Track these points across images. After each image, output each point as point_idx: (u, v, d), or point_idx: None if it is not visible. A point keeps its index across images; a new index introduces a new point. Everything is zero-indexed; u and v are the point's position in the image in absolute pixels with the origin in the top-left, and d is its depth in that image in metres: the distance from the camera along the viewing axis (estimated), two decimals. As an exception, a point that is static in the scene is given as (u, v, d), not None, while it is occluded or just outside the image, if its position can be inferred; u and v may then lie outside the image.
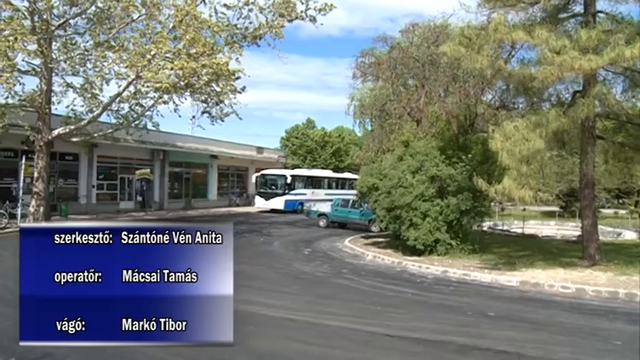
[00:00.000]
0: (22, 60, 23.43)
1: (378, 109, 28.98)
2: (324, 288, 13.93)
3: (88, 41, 24.61)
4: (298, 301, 12.06)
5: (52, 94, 25.47)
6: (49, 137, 24.98)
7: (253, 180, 42.98)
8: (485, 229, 25.01)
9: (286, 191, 40.96)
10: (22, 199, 25.11)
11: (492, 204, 23.88)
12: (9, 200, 25.10)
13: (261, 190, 42.04)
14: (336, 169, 64.93)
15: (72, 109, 26.53)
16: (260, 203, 41.82)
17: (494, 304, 12.13)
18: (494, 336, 9.39)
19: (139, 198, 37.69)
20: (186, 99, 26.76)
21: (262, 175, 42.46)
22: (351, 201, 30.54)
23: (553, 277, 15.11)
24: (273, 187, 41.55)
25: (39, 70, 24.45)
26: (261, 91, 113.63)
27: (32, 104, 24.27)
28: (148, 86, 23.82)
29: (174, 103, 25.64)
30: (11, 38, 20.53)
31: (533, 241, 25.13)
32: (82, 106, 26.43)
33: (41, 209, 24.66)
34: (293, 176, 42.08)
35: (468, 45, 16.01)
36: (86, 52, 24.43)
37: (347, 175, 50.13)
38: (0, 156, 27.65)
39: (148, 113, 27.07)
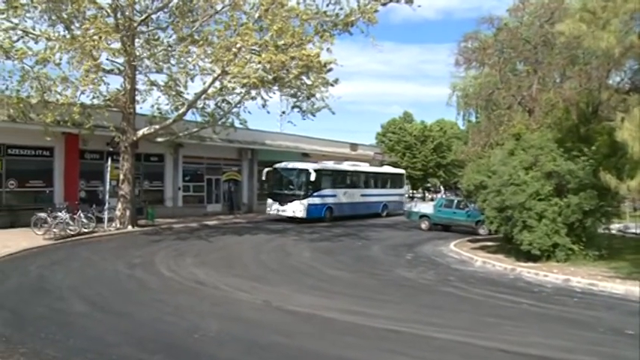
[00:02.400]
0: (106, 59, 24.90)
1: (483, 99, 28.22)
2: (429, 297, 13.78)
3: (170, 36, 25.64)
4: (401, 310, 11.98)
5: (136, 92, 26.86)
6: (134, 138, 26.30)
7: (263, 176, 35.24)
8: (614, 232, 23.75)
9: (309, 192, 33.58)
10: (109, 203, 26.45)
11: (622, 203, 22.65)
12: (96, 203, 26.40)
13: (275, 191, 34.58)
14: (436, 166, 63.97)
15: (156, 108, 27.98)
16: (273, 208, 34.24)
17: (631, 321, 11.40)
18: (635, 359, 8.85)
19: (227, 200, 38.71)
20: (274, 94, 27.28)
21: (275, 170, 35.04)
22: (455, 201, 30.10)
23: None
24: (291, 187, 34.22)
25: (122, 68, 25.86)
26: (353, 82, 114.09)
27: (116, 104, 25.65)
28: (234, 82, 24.41)
29: (262, 98, 26.25)
30: (96, 37, 21.76)
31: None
32: (167, 104, 27.88)
33: (127, 213, 26.02)
34: (318, 172, 33.85)
35: (590, 20, 15.18)
36: (169, 48, 25.43)
37: (389, 169, 45.00)
38: (86, 158, 29.17)
39: (234, 110, 28.00)
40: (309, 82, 25.54)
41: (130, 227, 25.90)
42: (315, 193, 33.92)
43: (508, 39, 25.42)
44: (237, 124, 28.81)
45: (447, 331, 10.14)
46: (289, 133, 41.68)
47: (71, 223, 22.65)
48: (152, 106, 27.90)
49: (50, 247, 20.16)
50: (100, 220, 25.09)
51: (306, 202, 33.13)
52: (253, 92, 25.72)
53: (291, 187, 34.14)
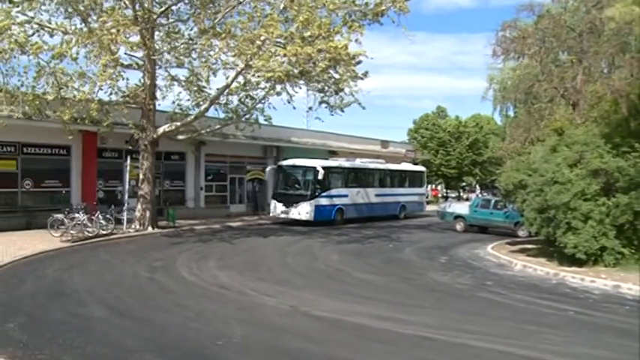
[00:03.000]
0: (124, 53, 25.16)
1: (523, 92, 27.89)
2: (465, 302, 13.69)
3: (191, 28, 25.77)
4: (436, 316, 11.94)
5: (156, 88, 27.09)
6: (154, 135, 26.53)
7: (266, 175, 34.62)
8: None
9: (317, 192, 32.39)
10: (128, 203, 26.72)
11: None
12: (114, 204, 26.70)
13: (280, 191, 33.61)
14: (472, 164, 63.46)
15: (177, 104, 28.12)
16: (278, 210, 33.02)
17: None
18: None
19: (251, 200, 38.90)
20: (300, 88, 27.32)
21: (280, 167, 34.24)
22: (493, 201, 29.85)
23: None
24: (297, 187, 33.28)
25: (142, 63, 26.10)
26: (383, 76, 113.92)
27: (135, 100, 25.91)
28: (258, 76, 24.53)
29: (287, 93, 26.30)
30: (114, 30, 21.99)
31: None
32: (188, 100, 28.04)
33: (147, 214, 26.27)
34: (327, 169, 32.96)
35: (644, 4, 14.93)
36: (190, 41, 25.55)
37: (408, 166, 44.00)
38: (105, 157, 29.53)
39: (259, 106, 28.09)
40: (337, 76, 25.50)
41: (150, 229, 26.17)
42: (324, 194, 32.77)
43: (550, 27, 25.02)
44: (261, 120, 28.91)
45: (485, 339, 10.07)
46: (316, 130, 41.72)
47: (89, 224, 22.89)
48: (173, 102, 28.13)
49: (67, 249, 20.43)
50: (118, 222, 25.38)
51: (313, 203, 31.92)
52: (278, 87, 25.77)
53: (297, 186, 33.21)
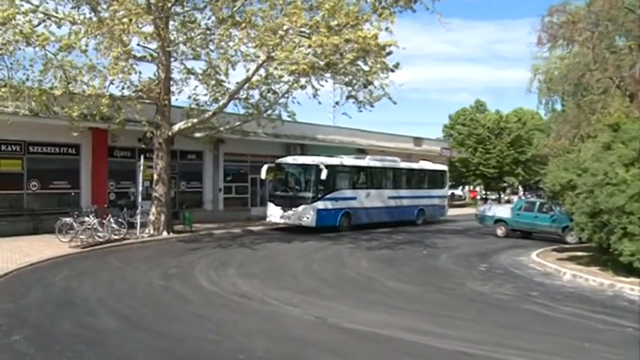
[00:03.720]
0: (137, 44, 25.36)
1: (572, 83, 27.53)
2: (507, 315, 13.58)
3: (209, 18, 25.85)
4: (475, 330, 11.82)
5: (171, 82, 27.28)
6: (169, 133, 26.70)
7: (262, 174, 32.16)
8: None
9: (319, 194, 30.79)
10: (141, 206, 27.00)
11: None
12: (127, 207, 26.99)
13: (277, 193, 32.37)
14: (514, 163, 62.83)
15: (194, 100, 28.28)
16: (274, 214, 31.54)
17: None
18: None
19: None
20: (326, 82, 27.35)
21: (278, 166, 32.69)
22: (537, 203, 29.55)
23: None
24: (297, 188, 32.12)
25: (155, 55, 26.25)
26: (416, 67, 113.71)
27: (149, 95, 26.10)
28: (281, 68, 24.53)
29: (312, 87, 26.38)
30: (125, 20, 22.08)
31: None
32: (206, 95, 28.16)
33: (162, 217, 26.46)
34: (331, 167, 31.17)
35: None
36: (208, 32, 25.62)
37: (427, 165, 41.65)
38: (116, 156, 29.89)
39: (282, 101, 28.18)
40: (366, 68, 25.45)
41: (165, 234, 26.37)
42: (328, 195, 31.18)
43: (605, 9, 24.57)
44: (284, 116, 29.05)
45: (530, 356, 9.98)
46: (343, 127, 41.75)
47: (100, 229, 23.13)
48: (189, 97, 28.28)
49: (77, 255, 20.64)
50: (131, 226, 25.56)
51: (315, 206, 30.37)
52: (303, 80, 25.84)
53: (297, 187, 32.10)
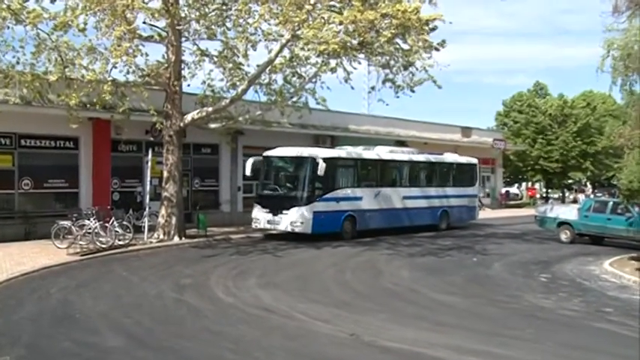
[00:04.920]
0: (143, 22, 25.48)
1: (656, 59, 27.28)
2: (574, 334, 13.45)
3: (226, -9, 25.94)
4: (536, 351, 11.73)
5: (183, 66, 27.36)
6: (181, 124, 26.82)
7: (247, 170, 30.68)
8: None
9: (316, 194, 28.85)
10: (149, 207, 27.13)
11: None
12: (133, 208, 27.19)
13: (265, 192, 30.51)
14: (581, 156, 62.21)
15: (209, 85, 28.39)
16: (260, 219, 29.45)
17: None
18: None
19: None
20: (360, 64, 27.39)
21: (266, 159, 30.63)
22: (610, 203, 29.20)
23: None
24: (289, 186, 30.18)
25: (164, 34, 26.33)
26: (465, 45, 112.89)
27: (157, 81, 26.23)
28: (308, 49, 24.59)
29: (344, 70, 26.43)
30: (130, -6, 22.22)
31: None
32: (222, 80, 28.19)
33: (173, 220, 26.55)
34: (331, 161, 29.23)
35: None
36: (224, 7, 25.66)
37: (453, 157, 39.80)
38: (120, 151, 30.03)
39: (309, 86, 28.13)
40: (405, 47, 25.43)
41: (176, 238, 26.49)
42: (327, 195, 29.24)
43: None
44: (312, 104, 29.09)
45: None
46: (380, 115, 41.83)
47: (102, 233, 23.32)
48: (203, 82, 28.36)
49: (76, 264, 20.82)
50: (138, 230, 25.69)
51: (310, 208, 28.36)
52: (333, 62, 25.86)
53: (289, 186, 30.12)
